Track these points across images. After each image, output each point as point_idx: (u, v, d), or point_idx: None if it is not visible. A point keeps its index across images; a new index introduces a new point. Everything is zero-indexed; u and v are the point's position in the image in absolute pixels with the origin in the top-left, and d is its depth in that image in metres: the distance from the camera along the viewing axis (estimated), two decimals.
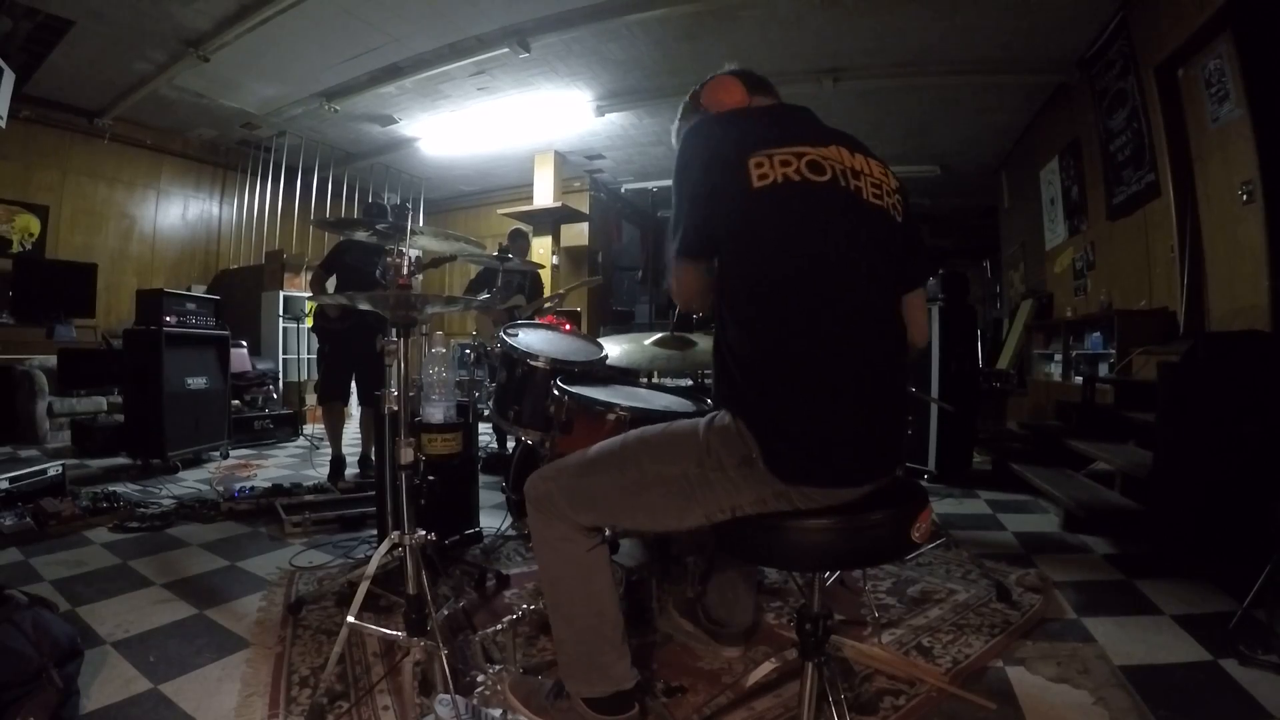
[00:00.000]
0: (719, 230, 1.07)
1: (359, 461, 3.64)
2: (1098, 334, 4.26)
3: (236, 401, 4.93)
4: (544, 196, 7.07)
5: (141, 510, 2.81)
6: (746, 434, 1.02)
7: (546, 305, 3.27)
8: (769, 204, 1.03)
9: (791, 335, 1.01)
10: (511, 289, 4.19)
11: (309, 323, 4.77)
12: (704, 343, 1.92)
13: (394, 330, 1.49)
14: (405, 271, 1.51)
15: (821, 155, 1.07)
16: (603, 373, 1.82)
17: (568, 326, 2.18)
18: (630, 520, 1.17)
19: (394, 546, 1.46)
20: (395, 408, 1.50)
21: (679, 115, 1.37)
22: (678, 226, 1.11)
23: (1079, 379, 4.16)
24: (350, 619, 1.41)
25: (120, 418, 4.19)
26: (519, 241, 4.47)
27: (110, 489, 3.03)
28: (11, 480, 2.72)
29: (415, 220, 6.88)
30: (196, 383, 3.90)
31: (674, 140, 1.36)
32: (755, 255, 1.05)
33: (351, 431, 4.28)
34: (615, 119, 6.15)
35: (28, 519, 2.53)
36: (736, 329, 1.07)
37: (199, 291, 5.23)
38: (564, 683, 1.24)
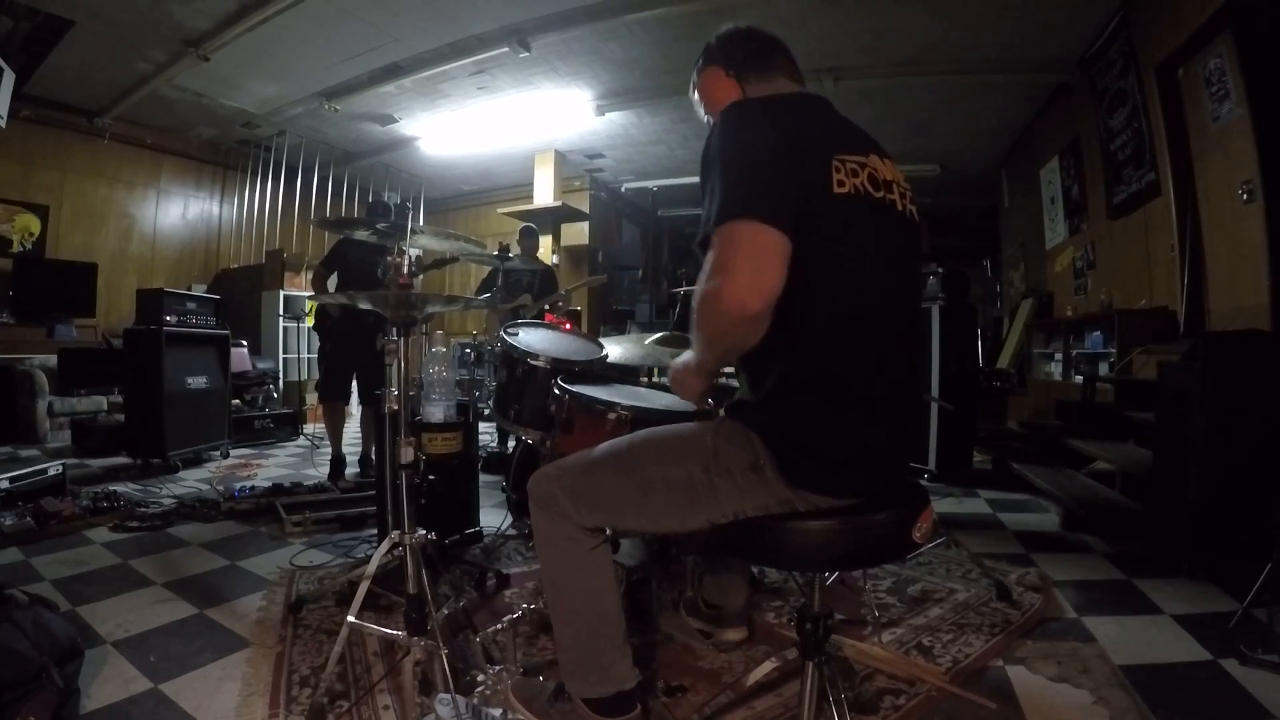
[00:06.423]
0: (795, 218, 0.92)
1: (359, 461, 3.64)
2: (1098, 333, 4.26)
3: (237, 401, 4.93)
4: (544, 196, 7.07)
5: (142, 510, 2.81)
6: (758, 443, 1.01)
7: (559, 305, 3.26)
8: (843, 214, 0.97)
9: (839, 354, 0.99)
10: (520, 288, 4.16)
11: (309, 322, 4.77)
12: None
13: (394, 329, 1.49)
14: (406, 271, 1.51)
15: (873, 167, 1.03)
16: (603, 372, 1.82)
17: (568, 325, 2.18)
18: (633, 521, 1.16)
19: (394, 546, 1.46)
20: (395, 407, 1.50)
21: (701, 60, 1.24)
22: (738, 189, 0.92)
23: (1079, 378, 4.15)
24: (351, 618, 1.41)
25: (120, 417, 4.19)
26: (529, 239, 4.45)
27: (110, 488, 3.02)
28: (12, 480, 2.72)
29: (415, 220, 6.89)
30: (197, 382, 3.89)
31: (692, 91, 1.27)
32: (820, 265, 0.95)
33: (352, 431, 4.28)
34: (615, 118, 6.15)
35: (28, 518, 2.53)
36: (783, 342, 0.97)
37: (199, 291, 5.24)
38: (565, 683, 1.23)
